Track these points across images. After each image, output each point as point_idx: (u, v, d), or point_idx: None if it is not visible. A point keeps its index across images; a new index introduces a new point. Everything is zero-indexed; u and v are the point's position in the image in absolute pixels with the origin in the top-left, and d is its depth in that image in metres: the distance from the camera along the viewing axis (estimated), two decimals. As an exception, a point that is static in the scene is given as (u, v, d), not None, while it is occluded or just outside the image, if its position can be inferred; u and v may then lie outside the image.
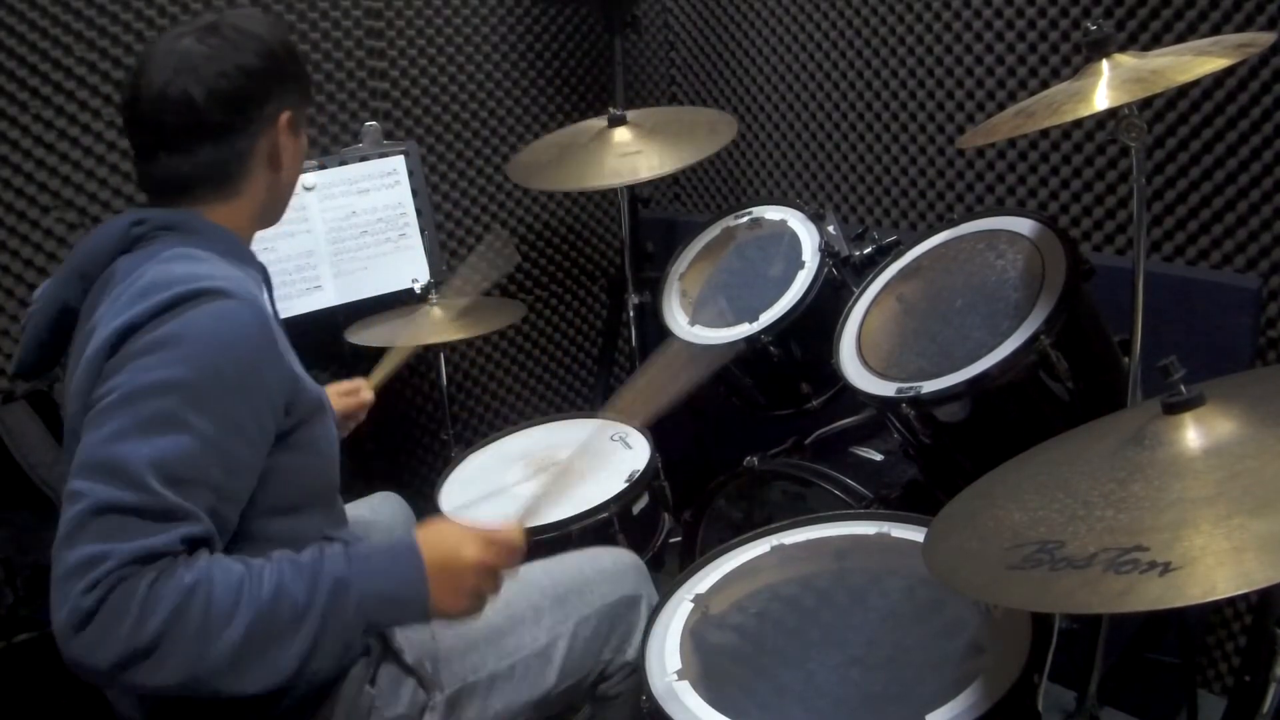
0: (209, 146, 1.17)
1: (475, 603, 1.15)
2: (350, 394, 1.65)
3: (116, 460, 0.99)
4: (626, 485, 1.81)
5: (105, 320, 1.09)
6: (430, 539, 1.14)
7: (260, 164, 1.22)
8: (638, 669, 1.25)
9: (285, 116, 1.22)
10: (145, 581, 0.96)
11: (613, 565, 1.50)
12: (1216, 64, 1.20)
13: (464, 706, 1.32)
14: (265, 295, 1.26)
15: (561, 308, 2.98)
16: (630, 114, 2.18)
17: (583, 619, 1.42)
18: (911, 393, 1.47)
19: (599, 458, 1.95)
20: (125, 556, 0.96)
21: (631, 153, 2.07)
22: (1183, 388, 1.00)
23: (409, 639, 1.31)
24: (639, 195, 2.63)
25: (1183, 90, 1.84)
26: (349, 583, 1.06)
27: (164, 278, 1.10)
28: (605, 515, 1.75)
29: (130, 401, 1.02)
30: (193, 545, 1.01)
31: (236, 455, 1.07)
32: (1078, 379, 1.44)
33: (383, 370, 1.80)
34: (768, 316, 1.85)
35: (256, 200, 1.24)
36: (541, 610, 1.41)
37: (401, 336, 2.16)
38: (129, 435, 1.00)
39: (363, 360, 2.44)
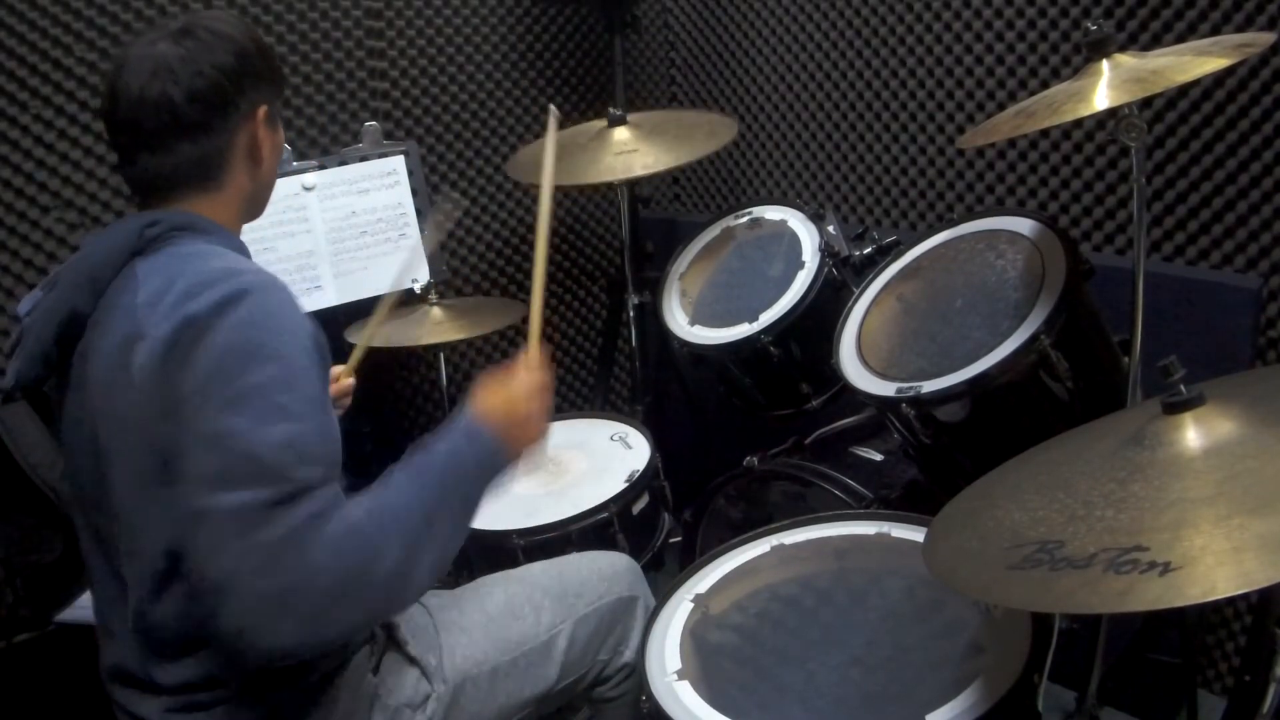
0: (189, 144, 1.18)
1: (540, 425, 1.28)
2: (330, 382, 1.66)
3: (251, 461, 1.00)
4: (626, 485, 1.81)
5: (151, 322, 1.08)
6: (485, 408, 1.24)
7: (240, 158, 1.23)
8: (636, 670, 1.25)
9: (262, 111, 1.24)
10: (322, 533, 1.01)
11: (609, 567, 1.53)
12: (1216, 64, 1.20)
13: (466, 698, 1.33)
14: None
15: (561, 308, 2.98)
16: (630, 116, 2.18)
17: (582, 617, 1.44)
18: (911, 393, 1.47)
19: (599, 458, 1.95)
20: (295, 523, 0.99)
21: (628, 150, 2.07)
22: (1183, 388, 1.00)
23: (414, 631, 1.33)
24: (639, 195, 2.63)
25: (1183, 90, 1.84)
26: (459, 489, 1.18)
27: (204, 273, 1.11)
28: (605, 515, 1.76)
29: (237, 406, 1.03)
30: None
31: (328, 424, 1.11)
32: (1078, 379, 1.44)
33: (359, 350, 1.72)
34: (768, 316, 1.85)
35: (240, 194, 1.26)
36: (542, 607, 1.42)
37: (401, 338, 2.16)
38: (250, 433, 1.02)
39: (362, 360, 2.44)
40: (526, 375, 1.29)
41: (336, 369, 1.66)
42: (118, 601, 1.17)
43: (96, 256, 1.17)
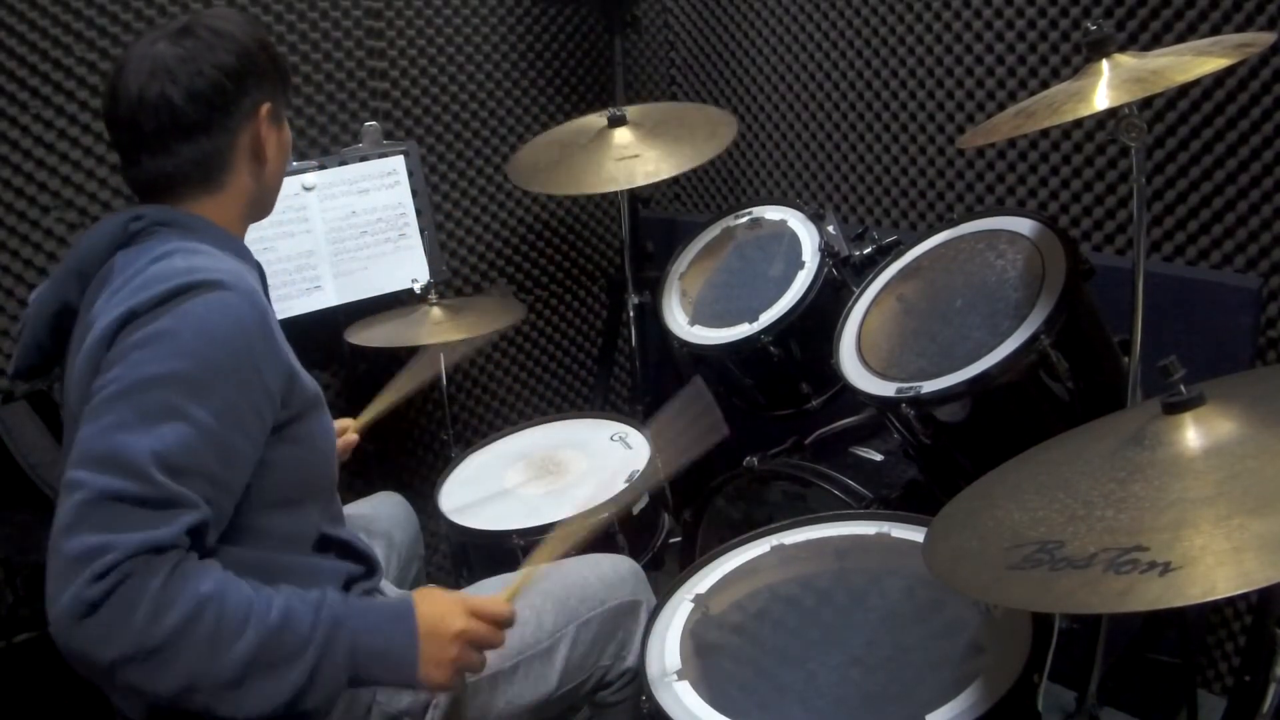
0: (189, 144, 1.18)
1: (456, 675, 1.17)
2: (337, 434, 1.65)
3: (117, 451, 0.99)
4: (626, 485, 1.81)
5: (104, 312, 1.10)
6: (425, 606, 1.16)
7: (243, 157, 1.23)
8: (638, 672, 1.25)
9: (265, 109, 1.24)
10: (158, 578, 0.97)
11: (612, 571, 1.51)
12: (1216, 64, 1.20)
13: (465, 706, 1.32)
14: (262, 290, 1.27)
15: (561, 308, 2.98)
16: (630, 110, 2.17)
17: (584, 622, 1.43)
18: (911, 393, 1.47)
19: (599, 458, 1.95)
20: (132, 548, 0.96)
21: (629, 156, 2.07)
22: (1183, 388, 0.99)
23: None
24: (639, 195, 2.63)
25: (1183, 90, 1.84)
26: (346, 628, 1.08)
27: (163, 270, 1.11)
28: (605, 515, 1.75)
29: (130, 393, 1.03)
30: (196, 536, 1.03)
31: (234, 445, 1.08)
32: (1078, 379, 1.44)
33: (373, 411, 1.77)
34: (768, 316, 1.85)
35: (244, 193, 1.26)
36: (543, 613, 1.41)
37: (401, 338, 2.16)
38: (129, 426, 1.01)
39: (362, 360, 2.45)
40: (482, 626, 1.19)
41: (344, 422, 1.67)
42: None
43: (84, 251, 1.19)
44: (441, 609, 1.17)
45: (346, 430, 1.67)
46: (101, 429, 1.01)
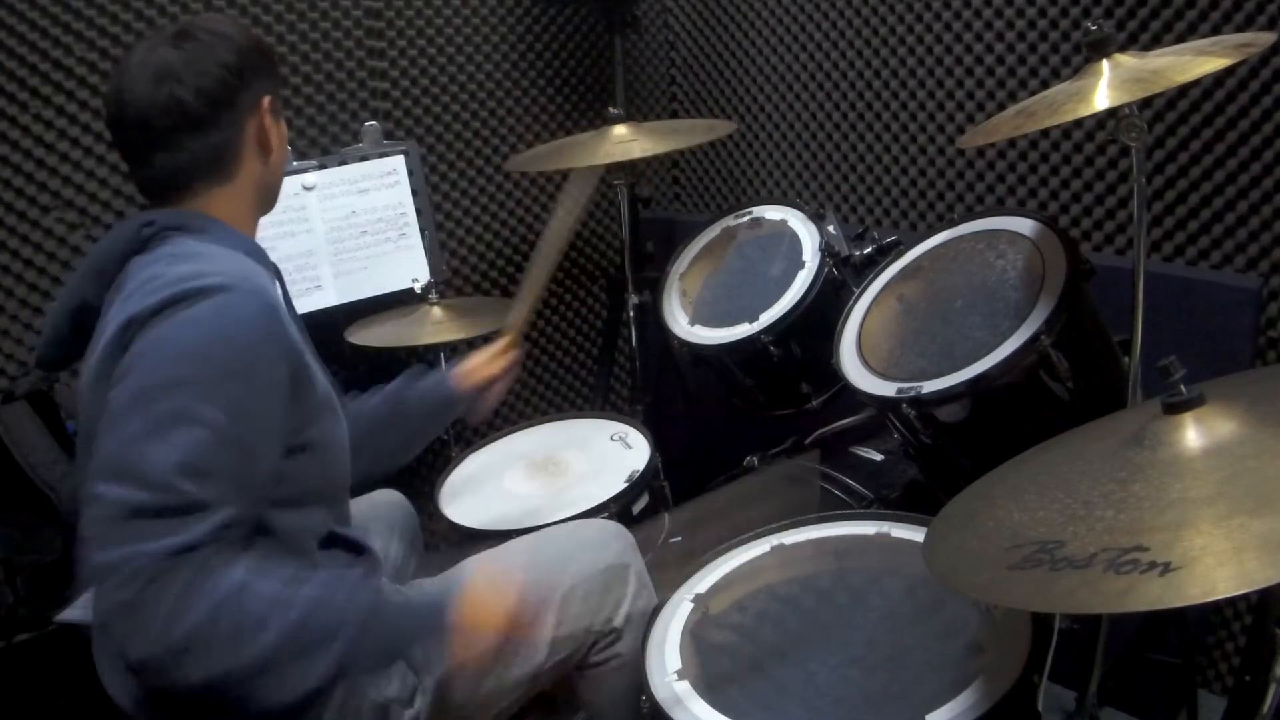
0: (200, 140, 1.22)
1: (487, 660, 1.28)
2: (497, 358, 1.66)
3: (135, 462, 1.01)
4: (626, 485, 1.81)
5: (112, 319, 1.13)
6: (467, 611, 1.19)
7: (250, 148, 1.27)
8: (624, 636, 1.25)
9: (267, 101, 1.29)
10: (182, 579, 0.99)
11: (597, 536, 1.50)
12: (1216, 64, 1.20)
13: (454, 688, 1.31)
14: (277, 288, 1.30)
15: (561, 308, 2.98)
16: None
17: (568, 591, 1.40)
18: (912, 393, 1.47)
19: (599, 458, 1.95)
20: (157, 554, 0.99)
21: (627, 140, 2.07)
22: (1183, 388, 0.99)
23: None
24: (639, 195, 2.63)
25: (1183, 90, 1.84)
26: (374, 626, 1.12)
27: (168, 276, 1.13)
28: (605, 515, 1.75)
29: (141, 403, 1.04)
30: (224, 534, 1.04)
31: (250, 442, 1.09)
32: (1078, 379, 1.44)
33: (523, 307, 1.72)
34: (768, 316, 1.85)
35: (253, 184, 1.29)
36: (526, 586, 1.39)
37: (402, 337, 2.17)
38: (144, 436, 1.02)
39: (363, 360, 2.44)
40: (521, 630, 1.25)
41: (495, 345, 1.67)
42: None
43: (102, 252, 1.23)
44: (481, 617, 1.20)
45: (507, 349, 1.67)
46: (119, 441, 1.03)
